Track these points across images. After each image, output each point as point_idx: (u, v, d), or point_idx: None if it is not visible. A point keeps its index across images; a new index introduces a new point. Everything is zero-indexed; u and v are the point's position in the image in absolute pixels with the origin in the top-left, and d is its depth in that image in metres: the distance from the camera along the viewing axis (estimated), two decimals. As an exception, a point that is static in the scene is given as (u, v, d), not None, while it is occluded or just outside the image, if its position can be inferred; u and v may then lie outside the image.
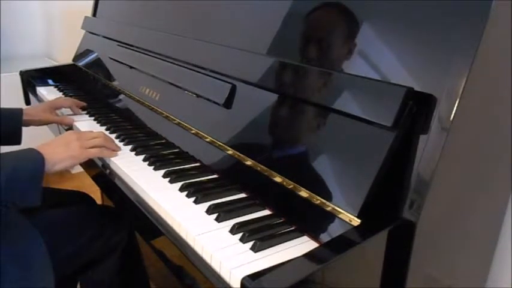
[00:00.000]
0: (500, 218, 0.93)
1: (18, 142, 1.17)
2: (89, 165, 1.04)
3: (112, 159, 0.95)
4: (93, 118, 1.26)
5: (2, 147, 1.05)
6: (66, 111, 1.32)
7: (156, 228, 0.74)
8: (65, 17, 2.51)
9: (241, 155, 0.84)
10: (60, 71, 1.74)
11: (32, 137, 1.21)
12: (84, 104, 1.33)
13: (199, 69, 1.02)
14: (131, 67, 1.31)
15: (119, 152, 0.98)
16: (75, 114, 1.29)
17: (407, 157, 0.63)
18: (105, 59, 1.49)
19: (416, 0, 0.66)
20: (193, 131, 0.98)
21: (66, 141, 0.90)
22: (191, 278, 0.69)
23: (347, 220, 0.64)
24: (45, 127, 1.32)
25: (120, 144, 1.02)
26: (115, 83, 1.38)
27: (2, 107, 1.16)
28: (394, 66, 0.68)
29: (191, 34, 1.11)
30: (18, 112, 1.17)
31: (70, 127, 1.21)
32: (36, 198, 0.79)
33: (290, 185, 0.73)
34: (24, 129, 1.17)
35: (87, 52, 1.65)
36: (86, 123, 1.22)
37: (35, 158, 0.81)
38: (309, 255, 0.56)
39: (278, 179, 0.75)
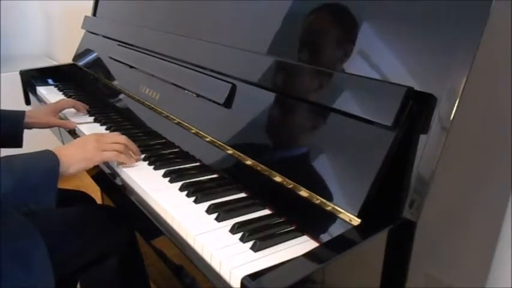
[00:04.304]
0: (500, 218, 0.93)
1: (19, 145, 1.16)
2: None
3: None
4: (93, 118, 1.26)
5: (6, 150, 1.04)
6: (69, 112, 1.31)
7: (156, 227, 0.74)
8: (65, 17, 2.51)
9: (241, 155, 0.84)
10: (60, 71, 1.74)
11: (32, 139, 1.21)
12: (86, 106, 1.32)
13: (200, 69, 1.02)
14: (131, 67, 1.31)
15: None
16: (78, 112, 1.29)
17: (407, 157, 0.63)
18: (105, 59, 1.49)
19: (417, 0, 0.66)
20: (193, 131, 0.98)
21: (83, 143, 0.88)
22: (191, 277, 0.69)
23: (347, 220, 0.64)
24: (46, 129, 1.31)
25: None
26: (115, 83, 1.38)
27: (2, 106, 1.16)
28: (394, 65, 0.68)
29: (191, 34, 1.11)
30: (20, 114, 1.16)
31: (73, 130, 1.20)
32: (50, 200, 0.78)
33: (290, 184, 0.73)
34: (25, 131, 1.17)
35: (87, 52, 1.65)
36: (86, 124, 1.22)
37: (50, 159, 0.80)
38: (309, 255, 0.56)
39: (278, 178, 0.75)
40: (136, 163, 0.93)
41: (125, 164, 0.92)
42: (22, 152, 0.83)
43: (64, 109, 1.29)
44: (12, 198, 0.74)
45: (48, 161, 0.80)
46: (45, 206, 0.78)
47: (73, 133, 1.20)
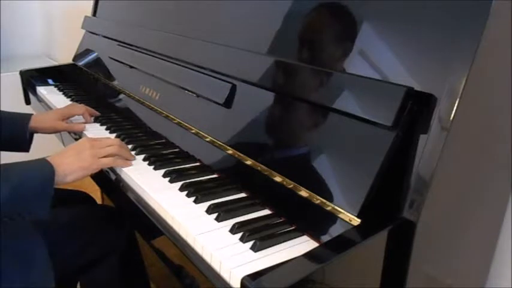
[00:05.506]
0: (500, 218, 0.93)
1: (26, 149, 1.14)
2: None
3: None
4: (93, 118, 1.26)
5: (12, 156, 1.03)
6: (75, 119, 1.27)
7: (156, 228, 0.74)
8: (65, 17, 2.51)
9: (241, 155, 0.84)
10: (60, 71, 1.74)
11: (37, 143, 1.20)
12: (97, 113, 1.25)
13: (200, 69, 1.02)
14: (131, 67, 1.31)
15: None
16: (86, 122, 1.22)
17: (407, 157, 0.63)
18: (105, 59, 1.49)
19: (417, 0, 0.66)
20: (193, 131, 0.98)
21: (78, 151, 0.86)
22: (191, 277, 0.69)
23: (347, 220, 0.64)
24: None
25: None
26: (115, 83, 1.38)
27: (2, 106, 1.15)
28: (394, 65, 0.68)
29: (191, 34, 1.11)
30: (25, 117, 1.13)
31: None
32: (44, 211, 0.76)
33: (290, 184, 0.73)
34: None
35: (87, 52, 1.65)
36: (87, 124, 1.21)
37: (45, 169, 0.78)
38: (309, 255, 0.56)
39: (278, 178, 0.75)
40: (135, 162, 0.93)
41: (121, 166, 0.91)
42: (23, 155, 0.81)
43: (73, 116, 1.22)
44: (5, 207, 0.72)
45: (43, 171, 0.78)
46: (39, 216, 0.76)
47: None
